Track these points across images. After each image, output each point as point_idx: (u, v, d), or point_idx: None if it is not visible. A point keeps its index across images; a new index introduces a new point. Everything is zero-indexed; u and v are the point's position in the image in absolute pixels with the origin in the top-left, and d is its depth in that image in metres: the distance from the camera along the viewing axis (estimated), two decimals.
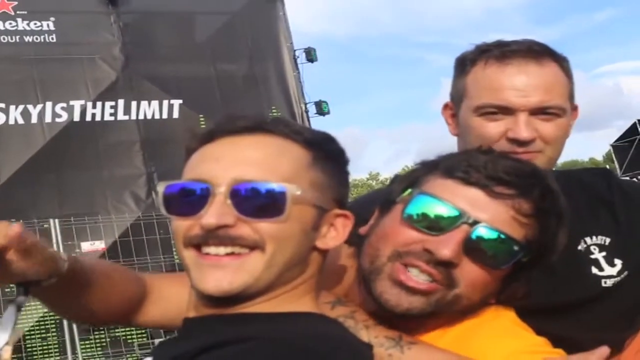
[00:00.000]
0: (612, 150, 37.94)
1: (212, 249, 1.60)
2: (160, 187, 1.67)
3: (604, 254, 2.30)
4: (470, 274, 1.80)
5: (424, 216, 1.81)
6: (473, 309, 1.89)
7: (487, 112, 2.24)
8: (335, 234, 1.69)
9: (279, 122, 1.70)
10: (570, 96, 2.31)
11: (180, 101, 18.92)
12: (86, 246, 16.87)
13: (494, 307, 1.93)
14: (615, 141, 37.53)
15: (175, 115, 18.90)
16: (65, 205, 16.95)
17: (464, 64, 2.34)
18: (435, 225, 1.80)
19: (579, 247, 2.32)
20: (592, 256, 2.31)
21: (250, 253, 1.59)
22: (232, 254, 1.59)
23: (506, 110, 2.21)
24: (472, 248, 1.78)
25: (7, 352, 1.63)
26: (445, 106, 2.44)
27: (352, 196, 1.98)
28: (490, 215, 1.79)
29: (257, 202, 1.58)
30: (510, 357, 1.79)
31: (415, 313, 1.81)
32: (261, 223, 1.58)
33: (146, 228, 16.98)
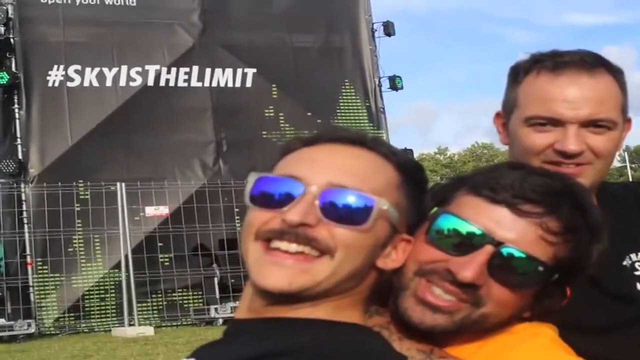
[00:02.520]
0: None
1: (283, 244, 1.58)
2: (252, 177, 1.67)
3: None
4: (496, 293, 1.76)
5: (447, 236, 1.78)
6: (505, 325, 1.84)
7: (537, 124, 2.19)
8: (395, 257, 1.70)
9: (378, 141, 1.73)
10: (623, 109, 2.26)
11: (254, 70, 19.04)
12: (150, 210, 17.23)
13: (533, 323, 1.86)
14: None
15: (248, 84, 19.05)
16: (132, 170, 17.33)
17: (517, 74, 2.30)
18: (458, 246, 1.76)
19: (624, 263, 2.27)
20: (637, 273, 2.27)
21: (318, 258, 1.59)
22: (302, 253, 1.58)
23: (555, 122, 2.17)
24: (497, 269, 1.74)
25: None
26: (497, 115, 2.39)
27: None
28: (516, 235, 1.74)
29: (344, 208, 1.59)
30: None
31: (440, 330, 1.77)
32: (340, 229, 1.58)
33: (210, 195, 17.22)
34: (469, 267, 1.72)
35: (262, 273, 1.58)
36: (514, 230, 1.74)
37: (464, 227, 1.76)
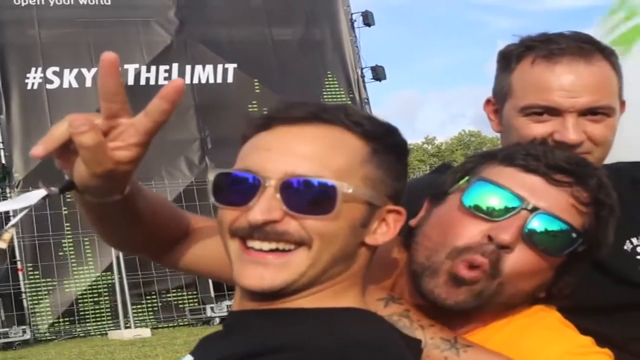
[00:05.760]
0: None
1: (256, 244, 1.54)
2: (211, 175, 1.60)
3: None
4: (522, 261, 1.77)
5: (484, 202, 1.80)
6: (522, 303, 1.86)
7: (533, 113, 2.17)
8: (385, 229, 1.64)
9: (340, 111, 1.63)
10: (619, 93, 2.24)
11: (235, 65, 18.97)
12: None
13: (541, 306, 1.90)
14: None
15: (230, 79, 18.97)
16: None
17: (508, 60, 2.24)
18: (494, 212, 1.78)
19: (625, 247, 2.27)
20: (639, 257, 2.26)
21: (295, 250, 1.54)
22: (276, 250, 1.54)
23: (553, 111, 2.15)
24: (531, 234, 1.77)
25: (10, 233, 1.61)
26: (488, 102, 2.35)
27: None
28: (549, 202, 1.78)
29: (306, 198, 1.52)
30: (559, 359, 1.77)
31: (463, 307, 1.79)
32: (309, 219, 1.53)
33: (199, 193, 17.05)
34: (508, 230, 1.75)
35: (242, 274, 1.56)
36: (548, 198, 1.78)
37: (500, 193, 1.80)
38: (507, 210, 1.77)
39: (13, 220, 1.58)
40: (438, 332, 1.80)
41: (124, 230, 1.84)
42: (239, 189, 1.55)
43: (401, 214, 1.66)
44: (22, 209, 1.55)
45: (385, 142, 1.64)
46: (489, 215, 1.78)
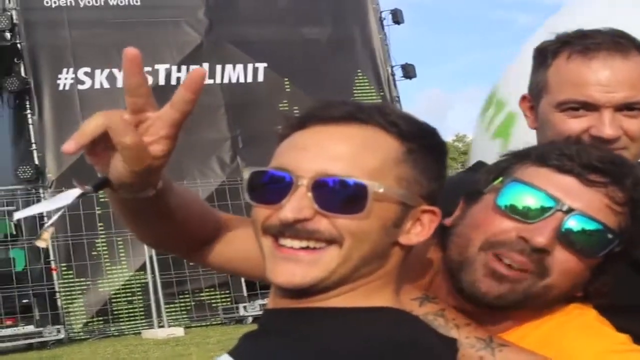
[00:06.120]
0: None
1: (287, 242, 1.57)
2: (245, 173, 1.64)
3: None
4: (562, 262, 1.78)
5: (518, 204, 1.81)
6: (561, 302, 1.88)
7: (570, 108, 2.18)
8: (420, 229, 1.66)
9: (375, 111, 1.64)
10: None
11: (265, 64, 18.96)
12: None
13: (577, 304, 1.91)
14: None
15: (260, 78, 18.96)
16: None
17: (544, 56, 2.27)
18: (529, 213, 1.79)
19: None
20: None
21: (326, 247, 1.56)
22: (307, 248, 1.56)
23: (590, 107, 2.16)
24: (567, 236, 1.77)
25: (49, 232, 1.62)
26: (523, 98, 2.37)
27: None
28: (584, 203, 1.78)
29: (337, 197, 1.55)
30: (598, 357, 1.76)
31: (504, 302, 1.80)
32: (340, 218, 1.55)
33: (231, 193, 17.06)
34: (543, 233, 1.75)
35: (274, 270, 1.58)
36: (582, 198, 1.78)
37: (535, 195, 1.79)
38: (542, 211, 1.77)
39: (51, 219, 1.57)
40: (473, 331, 1.80)
41: (157, 226, 1.86)
42: (272, 188, 1.57)
43: (436, 214, 1.66)
44: (58, 209, 1.56)
45: (421, 142, 1.64)
46: (524, 216, 1.78)
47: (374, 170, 1.56)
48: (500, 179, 1.87)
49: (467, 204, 1.90)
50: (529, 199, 1.79)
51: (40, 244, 1.61)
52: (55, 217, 1.57)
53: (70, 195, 1.56)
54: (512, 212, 1.79)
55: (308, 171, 1.54)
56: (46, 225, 1.59)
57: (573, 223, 1.76)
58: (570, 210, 1.76)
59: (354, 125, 1.61)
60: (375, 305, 1.62)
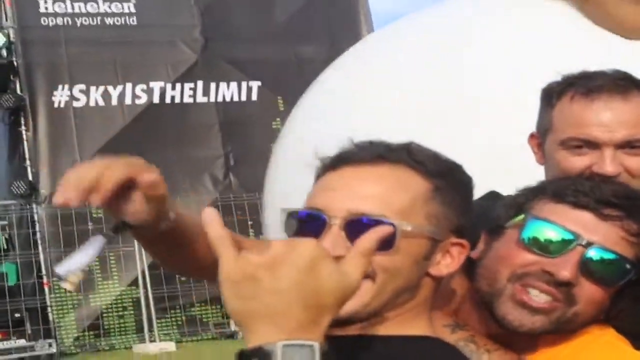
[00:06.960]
0: None
1: None
2: (282, 214, 1.71)
3: None
4: (587, 292, 1.88)
5: (541, 240, 1.90)
6: (585, 325, 1.95)
7: (573, 146, 2.26)
8: (450, 261, 1.72)
9: (403, 151, 1.71)
10: None
11: (259, 83, 18.93)
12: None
13: (597, 325, 1.98)
14: None
15: (254, 97, 18.93)
16: None
17: (550, 97, 2.36)
18: (551, 248, 1.88)
19: None
20: None
21: (361, 282, 1.56)
22: None
23: (591, 145, 2.23)
24: (588, 268, 1.87)
25: (79, 277, 1.68)
26: (532, 136, 2.46)
27: None
28: (601, 236, 1.87)
29: None
30: None
31: (538, 332, 1.88)
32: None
33: (224, 210, 17.05)
34: (567, 267, 1.84)
35: None
36: (599, 232, 1.87)
37: (556, 230, 1.88)
38: (563, 245, 1.87)
39: (81, 265, 1.66)
40: (504, 355, 1.90)
41: (181, 254, 1.95)
42: (308, 226, 1.64)
43: (464, 246, 1.73)
44: (89, 259, 1.68)
45: (448, 179, 1.71)
46: (547, 251, 1.88)
47: (403, 209, 1.63)
48: (522, 216, 1.95)
49: (490, 238, 1.99)
50: (551, 234, 1.88)
51: (66, 285, 1.66)
52: (86, 263, 1.67)
53: (97, 245, 1.69)
54: (536, 247, 1.88)
55: (340, 210, 1.61)
56: (75, 268, 1.66)
57: (593, 254, 1.85)
58: (589, 244, 1.85)
59: (384, 165, 1.68)
60: (415, 334, 1.67)
